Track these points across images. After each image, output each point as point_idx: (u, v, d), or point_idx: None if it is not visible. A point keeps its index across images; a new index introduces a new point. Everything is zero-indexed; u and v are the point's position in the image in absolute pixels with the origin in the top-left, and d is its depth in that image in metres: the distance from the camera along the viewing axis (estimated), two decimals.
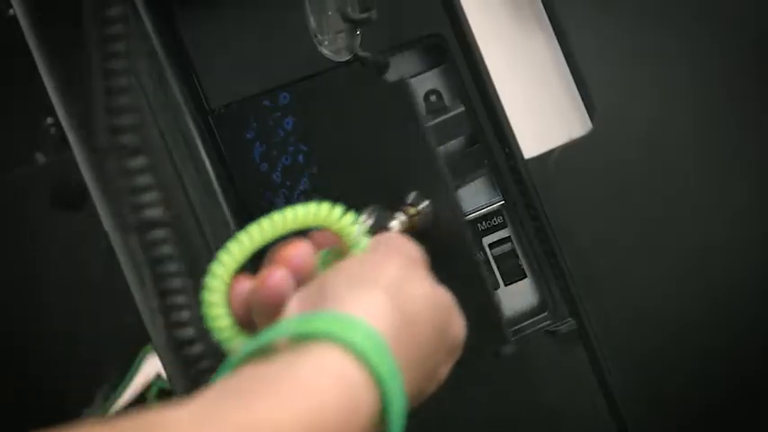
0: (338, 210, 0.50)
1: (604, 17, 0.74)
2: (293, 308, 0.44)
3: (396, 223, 0.55)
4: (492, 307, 0.52)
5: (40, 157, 0.90)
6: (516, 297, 0.80)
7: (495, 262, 0.79)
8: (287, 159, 0.67)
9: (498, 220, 0.79)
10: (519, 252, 0.79)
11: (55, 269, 0.90)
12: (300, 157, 0.66)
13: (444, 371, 0.48)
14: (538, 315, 0.78)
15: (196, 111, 0.69)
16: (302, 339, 0.40)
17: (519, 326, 0.78)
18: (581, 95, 0.74)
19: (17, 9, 0.65)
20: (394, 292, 0.44)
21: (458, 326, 0.48)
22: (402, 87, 0.56)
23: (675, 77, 0.75)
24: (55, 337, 0.91)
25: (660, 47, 0.75)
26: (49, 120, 0.90)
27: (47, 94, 0.65)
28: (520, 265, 0.79)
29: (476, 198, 0.79)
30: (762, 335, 0.77)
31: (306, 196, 0.66)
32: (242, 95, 0.73)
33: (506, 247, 0.79)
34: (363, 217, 0.53)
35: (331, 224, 0.49)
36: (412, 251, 0.51)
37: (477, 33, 0.73)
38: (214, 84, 0.72)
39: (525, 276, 0.80)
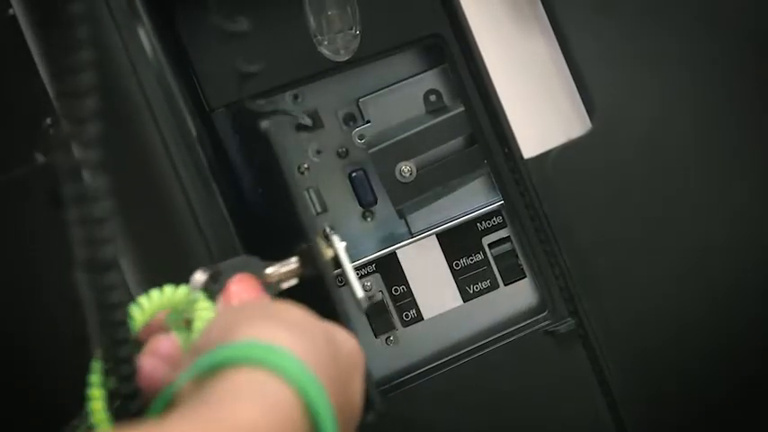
0: (173, 290, 0.49)
1: (604, 17, 0.74)
2: (180, 371, 0.41)
3: (272, 271, 0.53)
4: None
5: (40, 157, 0.90)
6: (516, 297, 0.80)
7: (495, 262, 0.79)
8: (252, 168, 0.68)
9: (498, 219, 0.79)
10: (518, 252, 0.79)
11: (55, 269, 0.90)
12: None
13: (356, 388, 0.46)
14: (537, 315, 0.78)
15: (196, 111, 0.69)
16: (206, 376, 0.38)
17: (518, 326, 0.78)
18: (580, 95, 0.74)
19: (17, 8, 0.65)
20: (277, 318, 0.42)
21: (347, 338, 0.47)
22: (263, 134, 0.56)
23: (675, 77, 0.75)
24: (55, 337, 0.91)
25: (659, 47, 0.75)
26: (49, 120, 0.89)
27: (47, 93, 0.65)
28: (519, 265, 0.79)
29: (475, 198, 0.79)
30: (762, 335, 0.77)
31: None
32: (243, 95, 0.73)
33: (506, 246, 0.79)
34: (197, 275, 0.51)
35: (176, 304, 0.48)
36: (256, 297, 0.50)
37: (476, 33, 0.73)
38: (214, 84, 0.72)
39: (525, 276, 0.80)
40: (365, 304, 0.55)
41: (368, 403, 0.51)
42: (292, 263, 0.54)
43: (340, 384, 0.43)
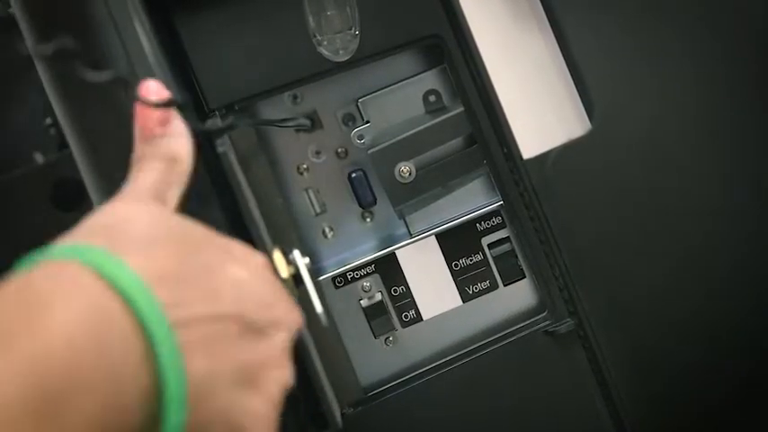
0: None
1: (604, 16, 0.74)
2: None
3: None
4: (315, 385, 0.50)
5: (40, 157, 0.90)
6: (515, 297, 0.80)
7: (494, 262, 0.79)
8: None
9: (497, 220, 0.79)
10: (518, 252, 0.79)
11: None
12: None
13: (233, 274, 0.44)
14: (537, 315, 0.78)
15: (196, 111, 0.68)
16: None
17: (518, 326, 0.78)
18: (580, 95, 0.74)
19: (16, 8, 0.65)
20: (92, 225, 0.43)
21: (207, 230, 0.46)
22: (220, 157, 0.56)
23: (675, 77, 0.75)
24: None
25: (660, 46, 0.75)
26: (49, 120, 0.89)
27: (46, 93, 0.65)
28: (519, 266, 0.79)
29: (475, 198, 0.79)
30: (762, 335, 0.77)
31: None
32: (242, 96, 0.73)
33: (505, 247, 0.79)
34: None
35: None
36: None
37: (475, 33, 0.73)
38: (214, 84, 0.72)
39: (524, 277, 0.80)
40: (325, 319, 0.55)
41: (324, 421, 0.51)
42: None
43: (201, 271, 0.43)
